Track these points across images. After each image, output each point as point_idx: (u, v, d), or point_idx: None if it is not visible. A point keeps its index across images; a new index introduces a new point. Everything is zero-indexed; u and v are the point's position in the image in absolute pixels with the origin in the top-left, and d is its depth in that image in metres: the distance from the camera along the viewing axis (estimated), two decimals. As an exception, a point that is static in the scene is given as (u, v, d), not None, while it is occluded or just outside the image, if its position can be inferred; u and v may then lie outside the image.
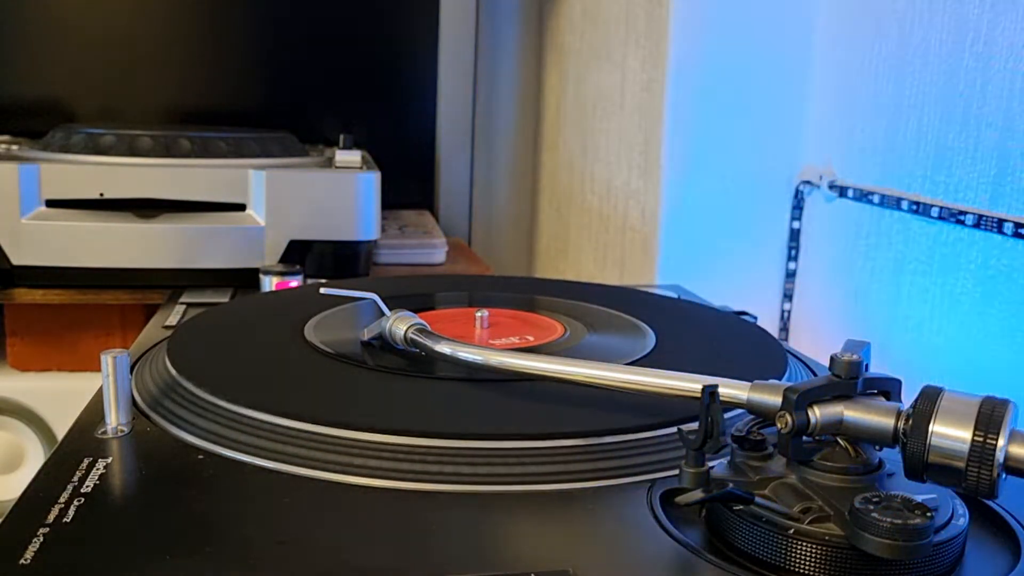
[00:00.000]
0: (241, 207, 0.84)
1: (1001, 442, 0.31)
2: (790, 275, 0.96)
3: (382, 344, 0.53)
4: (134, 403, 0.46)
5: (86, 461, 0.39)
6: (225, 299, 0.76)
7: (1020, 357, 0.68)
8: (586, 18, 1.15)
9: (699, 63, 0.91)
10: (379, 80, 1.26)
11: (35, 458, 0.81)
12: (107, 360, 0.43)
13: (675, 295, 0.75)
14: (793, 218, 0.95)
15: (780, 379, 0.45)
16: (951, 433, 0.32)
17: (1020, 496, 0.38)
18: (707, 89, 0.91)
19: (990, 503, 0.37)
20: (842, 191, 0.89)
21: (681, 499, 0.34)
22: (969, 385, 0.34)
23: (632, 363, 0.51)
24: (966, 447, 0.31)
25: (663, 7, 0.91)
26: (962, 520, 0.33)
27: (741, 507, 0.34)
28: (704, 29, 0.90)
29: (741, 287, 0.96)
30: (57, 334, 0.84)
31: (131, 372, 0.50)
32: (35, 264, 0.79)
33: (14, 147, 0.91)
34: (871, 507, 0.30)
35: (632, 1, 0.99)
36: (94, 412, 0.45)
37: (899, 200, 0.80)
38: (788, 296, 0.97)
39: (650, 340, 0.56)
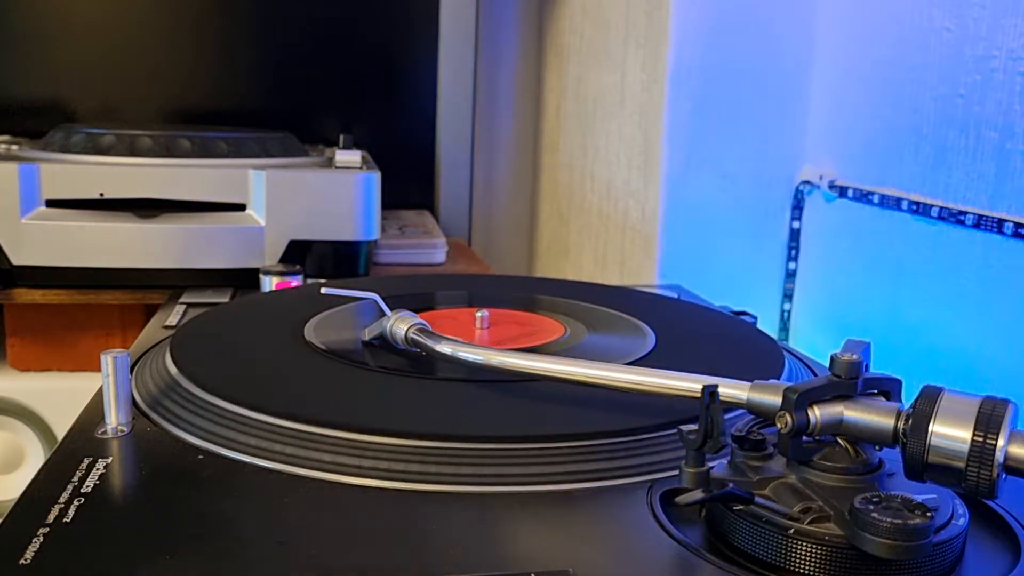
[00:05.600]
0: (241, 207, 0.84)
1: (1001, 442, 0.31)
2: (790, 275, 0.96)
3: (383, 344, 0.53)
4: (134, 403, 0.46)
5: (86, 461, 0.39)
6: (225, 299, 0.76)
7: (1020, 357, 0.68)
8: (586, 18, 1.15)
9: (699, 63, 0.91)
10: (379, 80, 1.26)
11: (35, 458, 0.81)
12: (107, 360, 0.43)
13: (675, 295, 0.75)
14: (793, 218, 0.95)
15: (780, 379, 0.45)
16: (951, 433, 0.32)
17: (1020, 496, 0.38)
18: (707, 89, 0.91)
19: (990, 503, 0.37)
20: (842, 191, 0.89)
21: (681, 499, 0.34)
22: (969, 385, 0.34)
23: (632, 363, 0.51)
24: (966, 447, 0.31)
25: (663, 8, 0.91)
26: (962, 520, 0.33)
27: (741, 507, 0.34)
28: (704, 29, 0.90)
29: (741, 287, 0.96)
30: (57, 334, 0.84)
31: (131, 372, 0.50)
32: (35, 264, 0.79)
33: (14, 147, 0.91)
34: (871, 507, 0.30)
35: (632, 1, 0.99)
36: (94, 412, 0.45)
37: (899, 200, 0.80)
38: (788, 296, 0.97)
39: (650, 340, 0.56)
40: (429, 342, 0.49)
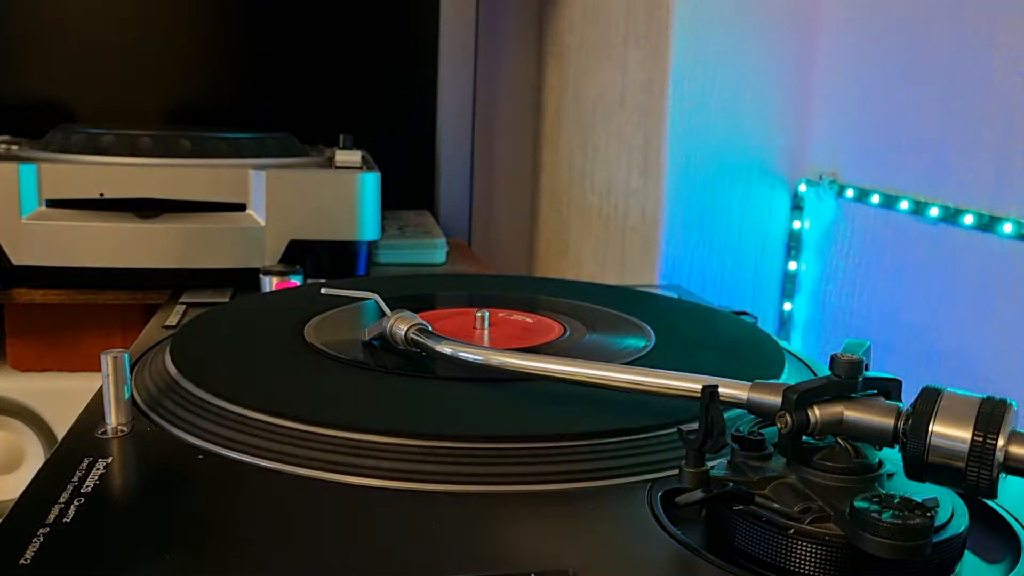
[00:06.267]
0: (241, 207, 0.84)
1: (1001, 442, 0.31)
2: (790, 275, 0.96)
3: (383, 344, 0.53)
4: (134, 403, 0.46)
5: (86, 461, 0.39)
6: (225, 299, 0.76)
7: (1020, 357, 0.68)
8: (586, 18, 1.15)
9: (699, 62, 0.91)
10: (379, 80, 1.26)
11: (35, 458, 0.81)
12: (107, 360, 0.43)
13: (675, 295, 0.75)
14: (793, 218, 0.95)
15: (780, 379, 0.45)
16: (951, 433, 0.32)
17: (1020, 496, 0.38)
18: (707, 89, 0.91)
19: (990, 503, 0.37)
20: (842, 191, 0.89)
21: (681, 499, 0.34)
22: (969, 385, 0.34)
23: (632, 363, 0.51)
24: (966, 447, 0.31)
25: (663, 7, 0.91)
26: (962, 520, 0.33)
27: (741, 507, 0.34)
28: (704, 29, 0.90)
29: (741, 287, 0.96)
30: (57, 334, 0.84)
31: (131, 372, 0.50)
32: (35, 264, 0.79)
33: (14, 147, 0.91)
34: (871, 507, 0.30)
35: (632, 1, 0.99)
36: (94, 412, 0.45)
37: (899, 200, 0.80)
38: (788, 296, 0.97)
39: (650, 340, 0.56)
40: (429, 342, 0.49)
